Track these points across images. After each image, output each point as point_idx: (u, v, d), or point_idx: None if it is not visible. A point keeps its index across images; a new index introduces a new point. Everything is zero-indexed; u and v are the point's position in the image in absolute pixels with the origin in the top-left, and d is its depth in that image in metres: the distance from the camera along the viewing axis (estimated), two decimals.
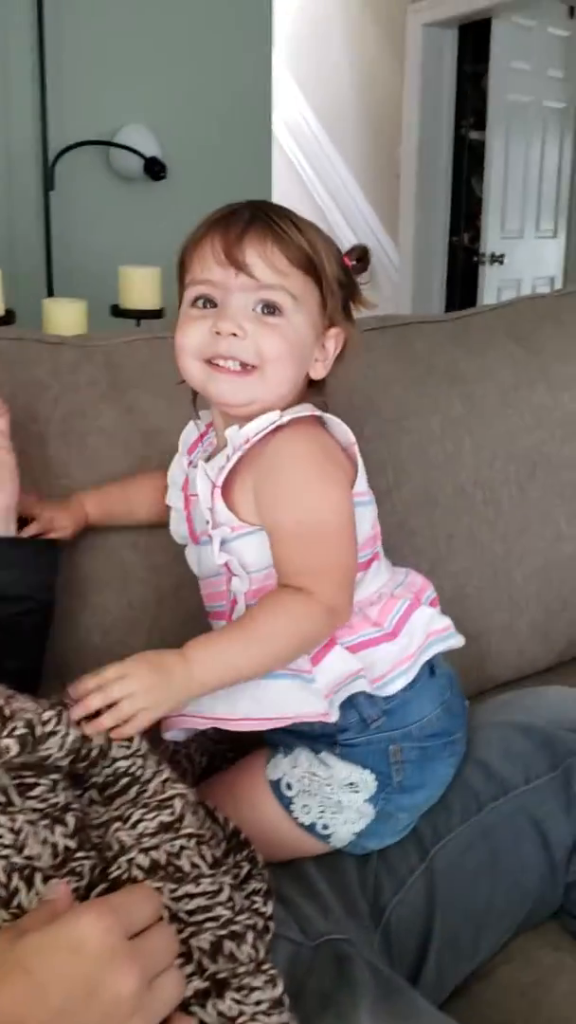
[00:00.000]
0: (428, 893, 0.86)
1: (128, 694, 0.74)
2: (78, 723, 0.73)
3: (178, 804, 0.75)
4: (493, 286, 4.87)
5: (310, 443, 0.83)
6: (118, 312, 2.18)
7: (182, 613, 1.10)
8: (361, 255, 0.89)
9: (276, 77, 5.27)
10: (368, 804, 0.86)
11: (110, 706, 0.74)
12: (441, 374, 1.32)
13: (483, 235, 4.83)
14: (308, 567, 0.80)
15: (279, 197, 4.93)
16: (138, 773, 0.77)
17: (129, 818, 0.74)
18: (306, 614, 0.79)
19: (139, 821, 0.73)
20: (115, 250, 2.67)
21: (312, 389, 0.90)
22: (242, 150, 3.18)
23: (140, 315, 2.14)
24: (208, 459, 0.88)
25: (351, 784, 0.86)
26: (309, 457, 0.82)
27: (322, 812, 0.86)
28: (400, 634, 0.87)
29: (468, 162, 4.99)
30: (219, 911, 0.69)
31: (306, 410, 0.85)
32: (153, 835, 0.73)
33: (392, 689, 0.86)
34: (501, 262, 4.85)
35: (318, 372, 0.87)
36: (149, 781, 0.77)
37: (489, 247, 4.83)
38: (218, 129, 3.10)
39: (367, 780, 0.86)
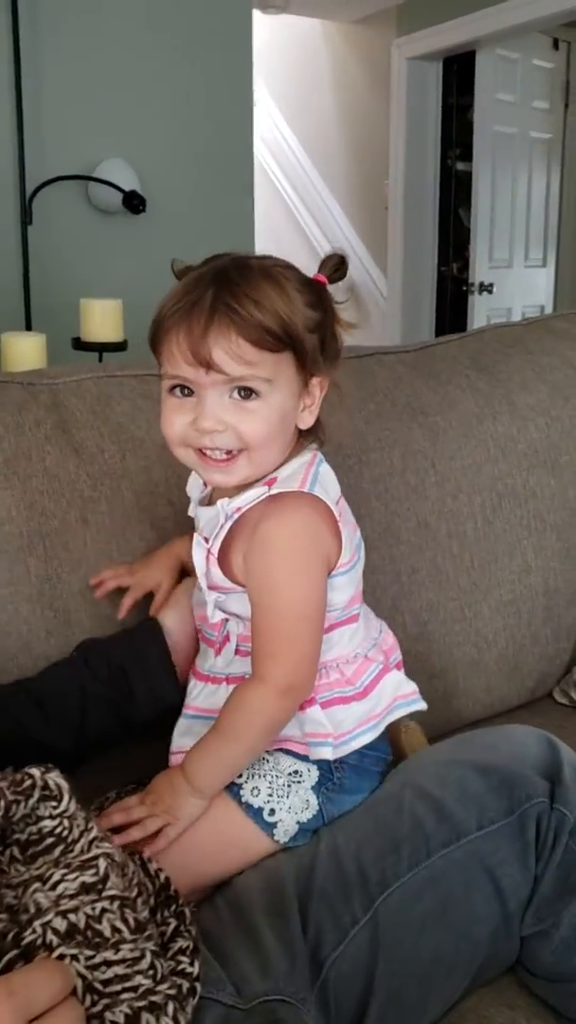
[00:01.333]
0: (371, 945, 0.81)
1: (149, 815, 0.88)
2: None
3: (102, 864, 0.72)
4: (483, 315, 4.88)
5: (293, 529, 0.86)
6: (79, 345, 2.16)
7: None
8: (336, 266, 0.89)
9: (263, 111, 5.34)
10: (312, 793, 0.91)
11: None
12: (403, 406, 1.30)
13: (472, 265, 4.85)
14: (266, 646, 0.86)
15: (268, 231, 4.96)
16: (64, 833, 0.74)
17: (49, 878, 0.70)
18: (260, 705, 0.86)
19: (59, 882, 0.70)
20: (94, 284, 2.67)
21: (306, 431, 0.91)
22: (223, 185, 3.19)
23: (102, 348, 2.12)
24: (205, 515, 0.92)
25: (295, 772, 0.91)
26: (288, 547, 0.86)
27: (270, 795, 0.90)
28: (370, 695, 0.93)
29: (455, 193, 5.01)
30: (138, 980, 0.66)
31: (295, 481, 0.86)
32: (73, 896, 0.69)
33: (355, 745, 0.92)
34: (490, 291, 4.86)
35: (306, 421, 0.89)
36: (76, 841, 0.74)
37: (478, 277, 4.84)
38: (198, 163, 3.11)
39: (310, 770, 0.91)
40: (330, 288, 0.89)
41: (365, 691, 0.93)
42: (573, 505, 1.39)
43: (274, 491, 0.86)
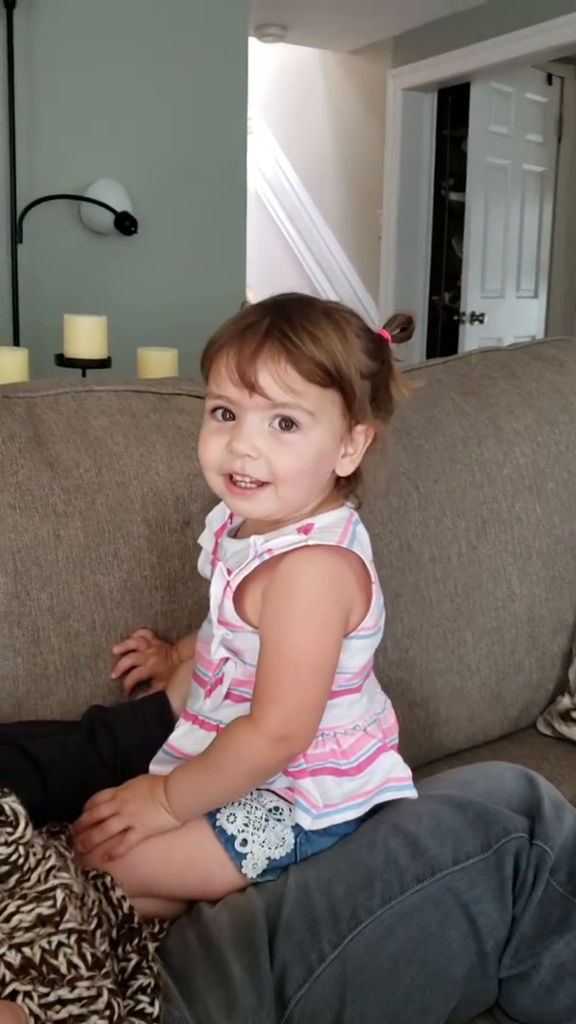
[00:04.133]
0: (340, 984, 0.78)
1: (114, 813, 0.86)
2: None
3: (60, 895, 0.68)
4: (474, 345, 4.88)
5: (322, 575, 0.84)
6: (63, 361, 2.14)
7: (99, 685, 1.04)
8: (404, 324, 0.89)
9: (259, 139, 5.37)
10: (291, 833, 0.87)
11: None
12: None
13: (463, 295, 4.86)
14: (268, 688, 0.83)
15: (261, 257, 4.97)
16: (19, 862, 0.70)
17: (3, 910, 0.67)
18: (249, 747, 0.83)
19: (14, 913, 0.67)
20: (84, 303, 2.65)
21: (344, 480, 0.89)
22: (215, 207, 3.19)
23: (86, 364, 2.09)
24: (232, 548, 0.90)
25: (276, 809, 0.88)
26: (313, 590, 0.84)
27: (246, 825, 0.87)
28: (363, 772, 0.89)
29: (448, 223, 5.04)
30: (94, 1020, 0.62)
31: (333, 535, 0.84)
32: (28, 929, 0.66)
33: (336, 820, 0.87)
34: (482, 321, 4.87)
35: (345, 469, 0.87)
36: (32, 870, 0.71)
37: (470, 306, 4.86)
38: (191, 187, 3.11)
39: (292, 810, 0.88)
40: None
41: (359, 767, 0.89)
42: (559, 532, 1.36)
43: (311, 542, 0.83)
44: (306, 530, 0.84)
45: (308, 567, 0.83)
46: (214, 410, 0.85)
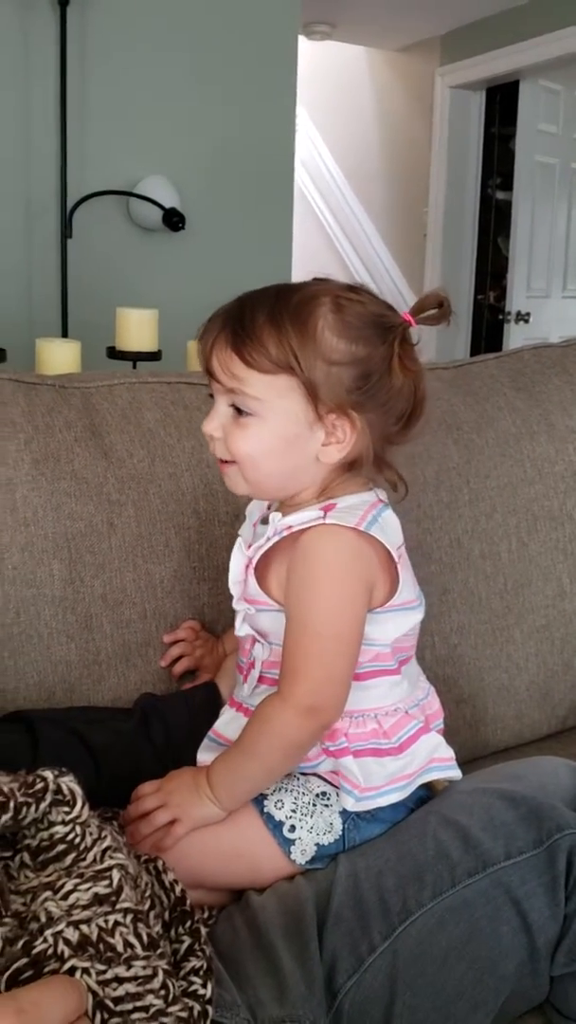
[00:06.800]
0: (390, 976, 0.78)
1: (159, 806, 0.86)
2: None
3: (116, 876, 0.69)
4: (518, 345, 4.83)
5: (339, 549, 0.84)
6: (114, 354, 2.16)
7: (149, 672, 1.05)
8: (436, 304, 0.87)
9: (305, 136, 5.36)
10: (339, 818, 0.87)
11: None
12: (438, 421, 1.27)
13: (509, 294, 4.83)
14: (293, 662, 0.83)
15: (306, 255, 4.96)
16: (76, 841, 0.71)
17: (61, 887, 0.68)
18: (279, 722, 0.83)
19: (72, 891, 0.67)
20: (132, 297, 2.67)
21: (369, 464, 0.88)
22: (263, 204, 3.19)
23: (136, 357, 2.11)
24: (259, 531, 0.91)
25: (323, 794, 0.88)
26: (333, 563, 0.84)
27: (293, 811, 0.87)
28: (405, 752, 0.89)
29: (495, 222, 5.00)
30: (149, 1000, 0.62)
31: (352, 517, 0.84)
32: (86, 907, 0.66)
33: (380, 803, 0.87)
34: (527, 321, 4.84)
35: (331, 456, 0.86)
36: (88, 849, 0.71)
37: (515, 306, 4.82)
38: (239, 182, 3.12)
39: (340, 795, 0.87)
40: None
41: (400, 747, 0.89)
42: None
43: (329, 520, 0.83)
44: (327, 509, 0.85)
45: (328, 541, 0.84)
46: (210, 394, 0.88)
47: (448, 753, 0.92)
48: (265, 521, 0.92)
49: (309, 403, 0.83)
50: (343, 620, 0.84)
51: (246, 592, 0.89)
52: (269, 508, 0.95)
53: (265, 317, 0.82)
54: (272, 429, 0.84)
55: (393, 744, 0.88)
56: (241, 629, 0.90)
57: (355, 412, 0.84)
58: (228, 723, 0.93)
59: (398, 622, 0.89)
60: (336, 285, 0.86)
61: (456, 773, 0.92)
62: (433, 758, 0.91)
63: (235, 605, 0.90)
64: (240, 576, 0.89)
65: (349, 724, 0.88)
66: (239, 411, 0.84)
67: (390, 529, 0.87)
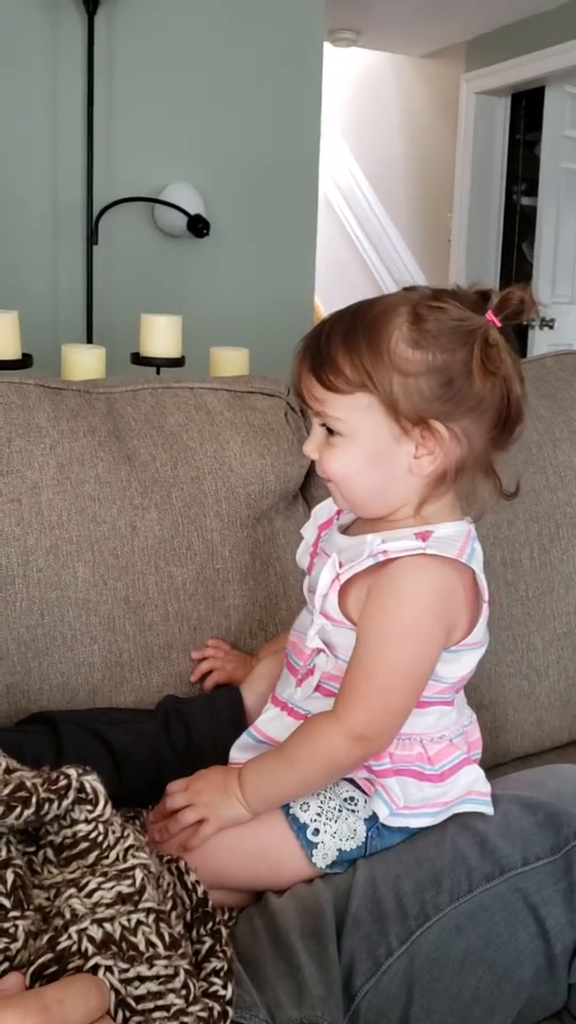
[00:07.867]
0: (407, 980, 0.78)
1: (188, 804, 0.87)
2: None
3: (139, 875, 0.70)
4: (543, 351, 4.82)
5: (432, 587, 0.83)
6: (138, 360, 2.17)
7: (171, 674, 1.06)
8: (519, 299, 0.82)
9: (330, 142, 5.38)
10: (363, 825, 0.87)
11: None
12: None
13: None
14: (356, 687, 0.83)
15: (329, 260, 4.97)
16: (99, 839, 0.72)
17: (85, 885, 0.69)
18: (328, 742, 0.83)
19: (96, 889, 0.68)
20: (156, 303, 2.69)
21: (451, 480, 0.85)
22: (287, 211, 3.20)
23: (160, 363, 2.12)
24: (343, 543, 0.90)
25: (351, 799, 0.88)
26: (420, 600, 0.83)
27: (318, 815, 0.87)
28: (445, 781, 0.89)
29: (519, 227, 4.99)
30: (171, 999, 0.63)
31: (453, 547, 0.83)
32: (109, 906, 0.67)
33: (411, 824, 0.87)
34: (552, 327, 4.82)
35: (423, 469, 0.83)
36: (111, 848, 0.72)
37: (540, 312, 4.80)
38: (263, 190, 3.13)
39: (367, 802, 0.88)
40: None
41: (442, 775, 0.89)
42: None
43: (430, 551, 0.82)
44: (424, 537, 0.83)
45: (421, 576, 0.82)
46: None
47: (486, 788, 0.91)
48: (342, 531, 0.93)
49: (392, 418, 0.82)
50: (415, 660, 0.83)
51: (324, 607, 0.87)
52: (338, 516, 0.95)
53: (340, 338, 0.82)
54: (360, 447, 0.84)
55: (435, 771, 0.88)
56: (311, 642, 0.88)
57: (444, 421, 0.81)
58: (270, 721, 0.93)
59: (466, 661, 0.88)
60: (419, 294, 0.83)
61: (489, 810, 0.90)
62: (472, 790, 0.90)
63: (313, 618, 0.88)
64: (325, 590, 0.87)
65: (396, 746, 0.87)
66: (330, 431, 0.85)
67: (479, 560, 0.87)
